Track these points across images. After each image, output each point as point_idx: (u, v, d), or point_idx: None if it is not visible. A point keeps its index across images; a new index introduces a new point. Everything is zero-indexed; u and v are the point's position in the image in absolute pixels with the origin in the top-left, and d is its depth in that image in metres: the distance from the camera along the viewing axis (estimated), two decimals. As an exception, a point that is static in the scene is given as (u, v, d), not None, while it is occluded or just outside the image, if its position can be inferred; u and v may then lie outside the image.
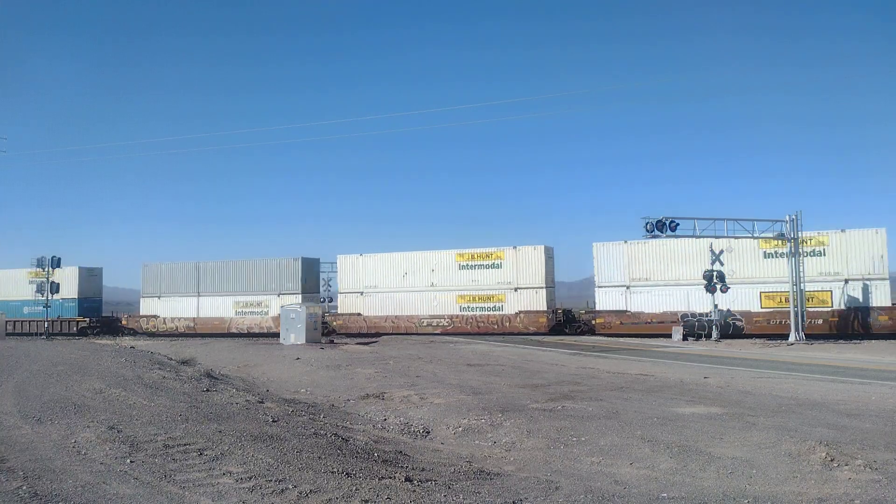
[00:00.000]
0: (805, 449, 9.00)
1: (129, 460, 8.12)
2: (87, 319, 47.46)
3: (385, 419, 13.11)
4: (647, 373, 19.12)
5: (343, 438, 10.40)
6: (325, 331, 39.13)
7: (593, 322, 37.32)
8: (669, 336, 33.20)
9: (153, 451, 8.59)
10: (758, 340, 31.32)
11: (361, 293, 41.82)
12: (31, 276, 48.00)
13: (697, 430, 10.48)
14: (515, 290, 38.51)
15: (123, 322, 48.54)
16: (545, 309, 37.86)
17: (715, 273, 31.52)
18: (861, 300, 31.78)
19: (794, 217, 30.99)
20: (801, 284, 30.87)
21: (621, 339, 33.50)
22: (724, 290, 31.57)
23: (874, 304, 31.54)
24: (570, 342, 32.53)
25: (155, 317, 46.30)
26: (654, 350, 27.91)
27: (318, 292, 45.96)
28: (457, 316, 39.47)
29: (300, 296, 41.72)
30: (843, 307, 32.03)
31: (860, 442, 9.43)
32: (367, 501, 6.68)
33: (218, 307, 45.04)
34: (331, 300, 46.89)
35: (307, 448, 9.06)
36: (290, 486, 7.11)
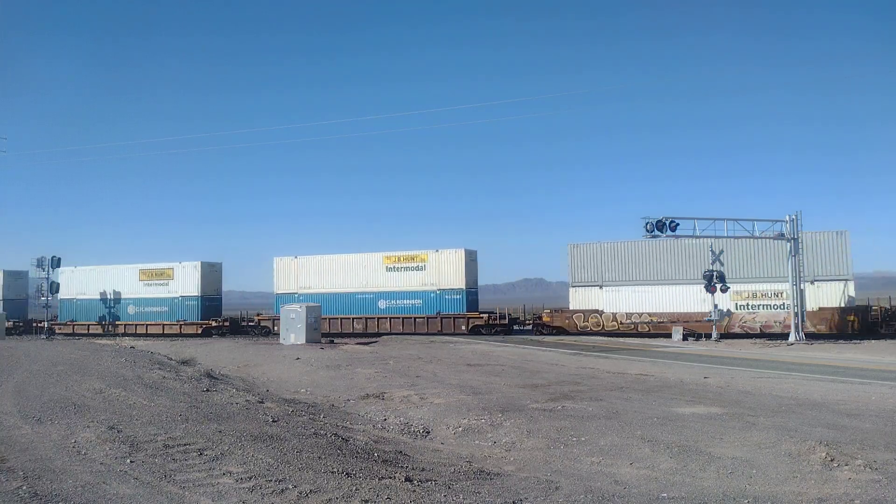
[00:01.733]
0: (805, 449, 9.00)
1: (129, 460, 8.11)
2: (485, 316, 38.30)
3: (385, 419, 13.10)
4: (647, 373, 19.13)
5: (343, 438, 10.40)
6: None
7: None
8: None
9: (153, 451, 8.58)
10: (758, 340, 31.37)
11: None
12: (392, 259, 40.83)
13: (697, 430, 10.48)
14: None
15: (545, 318, 37.53)
16: None
17: (715, 273, 31.54)
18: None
19: (794, 217, 31.08)
20: (801, 284, 30.97)
21: (621, 339, 33.62)
22: (724, 289, 31.60)
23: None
24: (571, 342, 32.54)
25: (598, 312, 36.09)
26: (654, 350, 27.92)
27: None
28: None
29: (846, 282, 32.27)
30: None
31: (860, 442, 9.43)
32: (367, 501, 6.68)
33: (694, 297, 34.07)
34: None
35: (307, 448, 9.06)
36: (290, 486, 7.11)
